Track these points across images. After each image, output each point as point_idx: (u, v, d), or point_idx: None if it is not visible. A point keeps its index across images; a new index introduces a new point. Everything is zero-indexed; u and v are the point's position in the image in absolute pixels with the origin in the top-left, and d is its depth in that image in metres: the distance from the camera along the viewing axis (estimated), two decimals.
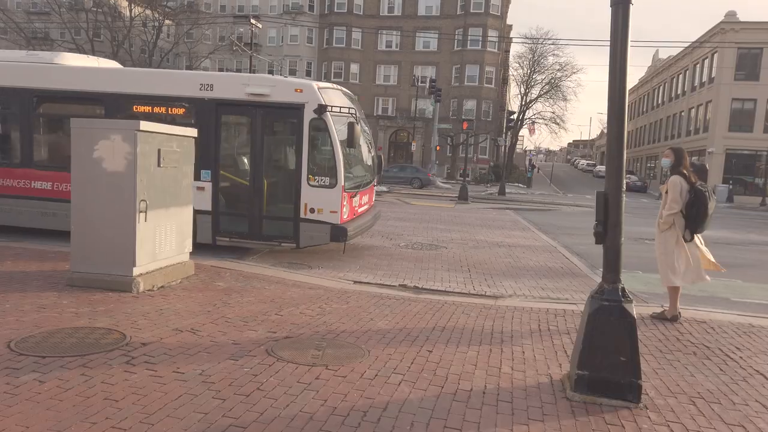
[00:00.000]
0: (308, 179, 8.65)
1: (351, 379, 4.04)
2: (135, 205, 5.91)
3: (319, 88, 8.74)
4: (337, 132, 8.57)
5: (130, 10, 51.31)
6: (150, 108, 8.94)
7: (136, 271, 6.04)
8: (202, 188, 8.75)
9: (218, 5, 56.95)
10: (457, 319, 5.83)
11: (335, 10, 54.09)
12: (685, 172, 6.07)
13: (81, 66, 9.72)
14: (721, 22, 41.40)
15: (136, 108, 8.96)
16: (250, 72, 34.03)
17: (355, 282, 7.55)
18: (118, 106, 8.96)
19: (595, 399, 3.88)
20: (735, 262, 10.45)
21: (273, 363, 4.25)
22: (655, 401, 3.99)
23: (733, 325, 6.16)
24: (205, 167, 8.77)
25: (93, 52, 49.84)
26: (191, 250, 7.21)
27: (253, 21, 30.50)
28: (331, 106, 8.61)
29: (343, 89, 9.89)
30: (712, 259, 6.25)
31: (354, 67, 54.64)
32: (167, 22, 54.35)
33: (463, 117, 44.10)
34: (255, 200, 8.95)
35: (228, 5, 56.79)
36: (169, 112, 8.96)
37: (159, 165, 6.26)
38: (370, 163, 10.56)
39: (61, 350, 4.20)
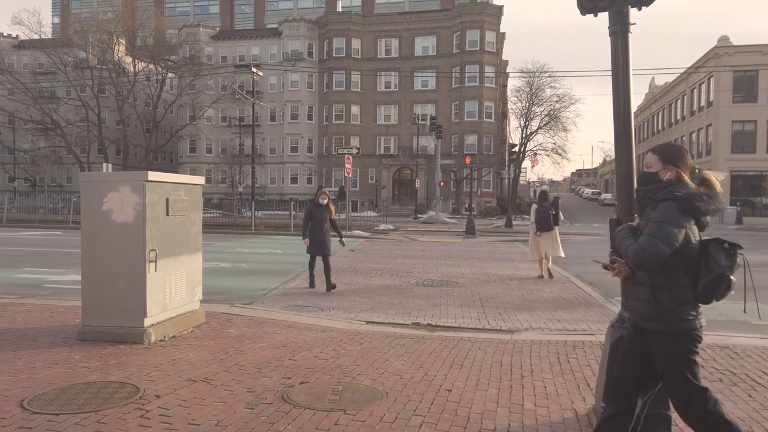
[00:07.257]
0: None
1: (370, 423, 3.94)
2: (145, 255, 5.89)
3: None
4: None
5: (134, 66, 52.66)
6: None
7: (147, 321, 5.98)
8: None
9: (219, 56, 58.36)
10: (474, 356, 5.72)
11: (334, 56, 55.30)
12: (539, 201, 12.13)
13: None
14: (714, 47, 41.99)
15: None
16: (252, 119, 34.52)
17: (368, 322, 7.46)
18: None
19: None
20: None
21: (290, 410, 4.16)
22: None
23: (757, 349, 6.02)
24: None
25: (98, 108, 51.17)
26: (201, 298, 7.16)
27: (254, 70, 31.15)
28: None
29: None
30: (556, 251, 12.14)
31: (354, 109, 55.46)
32: (170, 75, 55.62)
33: (465, 152, 44.43)
34: None
35: (229, 56, 58.20)
36: None
37: (168, 214, 6.26)
38: None
39: (74, 407, 4.12)
